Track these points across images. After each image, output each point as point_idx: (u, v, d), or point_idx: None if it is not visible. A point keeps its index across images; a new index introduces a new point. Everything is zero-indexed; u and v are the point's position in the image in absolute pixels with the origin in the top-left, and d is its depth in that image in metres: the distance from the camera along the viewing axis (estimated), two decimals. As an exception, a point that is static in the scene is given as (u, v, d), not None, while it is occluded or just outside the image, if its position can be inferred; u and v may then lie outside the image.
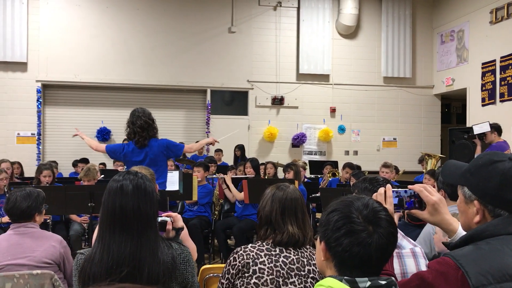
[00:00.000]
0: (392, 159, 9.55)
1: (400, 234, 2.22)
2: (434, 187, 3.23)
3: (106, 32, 10.31)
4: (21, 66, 9.90)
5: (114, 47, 10.36)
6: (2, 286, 2.82)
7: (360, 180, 2.46)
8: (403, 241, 2.25)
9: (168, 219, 2.17)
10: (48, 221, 5.54)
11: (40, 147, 10.03)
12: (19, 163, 7.93)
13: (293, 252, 2.25)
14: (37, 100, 9.96)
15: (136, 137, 4.54)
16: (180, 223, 2.24)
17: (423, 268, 2.16)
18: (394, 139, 11.72)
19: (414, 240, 2.42)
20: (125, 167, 4.59)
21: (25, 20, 9.84)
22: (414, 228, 3.68)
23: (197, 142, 5.62)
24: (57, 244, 3.05)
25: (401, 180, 7.79)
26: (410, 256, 2.18)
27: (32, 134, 9.98)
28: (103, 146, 4.80)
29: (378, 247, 1.32)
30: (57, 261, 3.02)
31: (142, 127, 4.50)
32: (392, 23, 11.59)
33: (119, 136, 10.20)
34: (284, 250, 2.24)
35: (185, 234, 2.83)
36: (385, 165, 6.64)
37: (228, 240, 6.37)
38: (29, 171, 8.51)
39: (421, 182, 6.42)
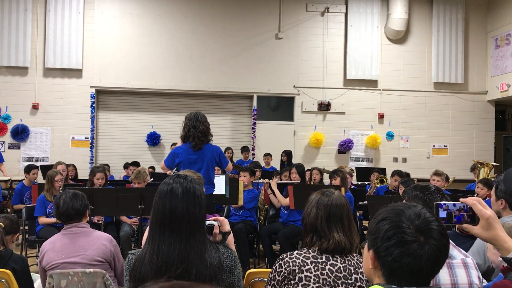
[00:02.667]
0: (443, 166, 9.25)
1: (450, 244, 2.15)
2: (488, 196, 3.11)
3: (157, 40, 10.60)
4: (76, 73, 10.34)
5: (164, 54, 10.63)
6: (58, 283, 2.95)
7: (411, 187, 2.41)
8: (454, 251, 2.17)
9: (215, 223, 2.19)
10: (100, 222, 5.74)
11: (93, 151, 10.41)
12: (73, 166, 8.26)
13: (340, 260, 2.20)
14: (91, 105, 10.36)
15: (195, 140, 4.64)
16: (227, 227, 2.27)
17: (475, 279, 2.09)
18: (445, 146, 11.37)
19: (466, 252, 2.34)
20: (175, 170, 4.70)
21: (81, 29, 10.28)
22: (466, 239, 3.57)
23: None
24: (107, 243, 3.15)
25: (452, 188, 7.55)
26: (461, 266, 2.11)
27: (85, 138, 10.38)
28: (162, 162, 4.92)
29: (429, 259, 1.29)
30: (108, 260, 3.12)
31: (203, 132, 4.66)
32: (444, 27, 11.28)
33: (168, 140, 10.45)
34: (330, 257, 2.20)
35: (229, 238, 2.86)
36: (437, 173, 6.45)
37: (273, 246, 6.37)
38: (83, 173, 8.87)
39: (473, 191, 6.22)
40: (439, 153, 11.35)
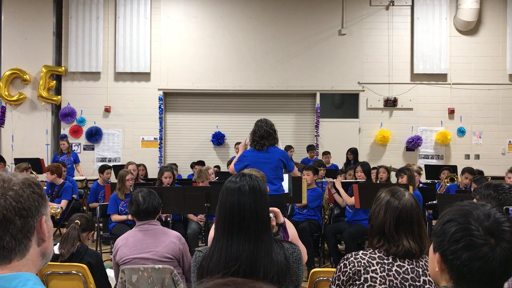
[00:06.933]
0: (520, 164, 8.72)
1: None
2: None
3: (220, 41, 10.80)
4: (145, 76, 10.76)
5: (228, 56, 10.80)
6: (129, 278, 3.09)
7: (483, 185, 2.29)
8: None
9: (270, 215, 2.18)
10: (168, 219, 5.94)
11: (162, 151, 10.78)
12: (144, 165, 8.58)
13: (407, 261, 2.12)
14: (159, 107, 10.74)
15: (254, 143, 4.88)
16: (281, 218, 2.26)
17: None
18: (523, 141, 10.71)
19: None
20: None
21: (149, 33, 10.69)
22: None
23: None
24: (176, 240, 3.25)
25: (531, 187, 7.08)
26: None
27: (154, 138, 10.78)
28: (232, 166, 5.08)
29: (501, 262, 1.22)
30: (176, 257, 3.22)
31: (261, 136, 4.83)
32: (520, 15, 10.61)
33: (232, 139, 10.61)
34: (397, 259, 2.13)
35: (295, 236, 2.86)
36: (512, 171, 6.07)
37: (338, 245, 6.29)
38: (152, 173, 9.21)
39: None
40: (516, 149, 10.71)
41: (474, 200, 2.13)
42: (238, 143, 9.84)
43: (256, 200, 1.99)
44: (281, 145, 5.16)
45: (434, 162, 10.57)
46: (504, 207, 1.49)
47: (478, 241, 1.24)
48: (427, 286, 2.10)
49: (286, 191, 4.99)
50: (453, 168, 8.49)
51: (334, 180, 6.34)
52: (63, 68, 10.70)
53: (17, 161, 8.43)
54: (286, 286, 2.02)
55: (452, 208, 1.34)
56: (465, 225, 1.27)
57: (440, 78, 10.74)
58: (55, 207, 6.27)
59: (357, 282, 2.11)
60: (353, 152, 9.79)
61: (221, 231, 2.01)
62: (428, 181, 8.82)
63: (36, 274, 1.18)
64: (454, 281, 1.28)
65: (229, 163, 8.71)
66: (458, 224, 1.28)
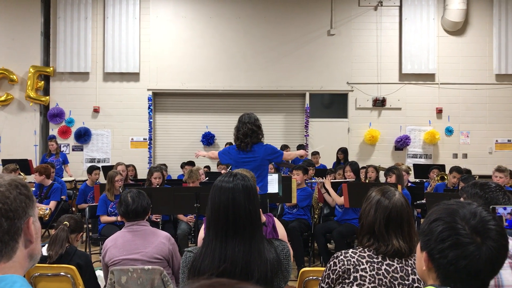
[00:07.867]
0: (507, 162, 8.82)
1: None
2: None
3: (210, 42, 10.78)
4: (134, 76, 10.70)
5: (217, 56, 10.79)
6: (118, 279, 3.07)
7: (470, 184, 2.31)
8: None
9: None
10: (158, 220, 5.92)
11: (151, 151, 10.74)
12: (133, 166, 8.54)
13: (397, 260, 2.14)
14: (148, 108, 10.69)
15: (238, 142, 4.61)
16: (263, 218, 2.26)
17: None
18: (509, 141, 10.82)
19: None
20: (230, 169, 4.73)
21: (138, 33, 10.63)
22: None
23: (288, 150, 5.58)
24: (166, 241, 3.24)
25: (518, 185, 7.17)
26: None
27: (144, 139, 10.73)
28: (216, 152, 4.96)
29: (487, 261, 1.23)
30: (166, 257, 3.21)
31: (245, 134, 4.55)
32: (506, 16, 10.73)
33: (222, 140, 10.61)
34: (387, 257, 2.14)
35: (284, 236, 2.87)
36: (499, 169, 6.14)
37: (328, 244, 6.31)
38: (142, 174, 9.17)
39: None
40: (502, 148, 10.82)
41: (461, 199, 2.15)
42: (228, 143, 9.84)
43: (250, 200, 1.99)
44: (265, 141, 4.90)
45: (422, 161, 10.66)
46: (491, 206, 1.50)
47: (464, 240, 1.25)
48: (416, 284, 2.11)
49: (275, 191, 4.97)
50: (441, 167, 8.57)
51: (324, 180, 6.36)
52: (51, 68, 10.61)
53: (5, 162, 8.34)
54: (278, 282, 2.03)
55: (438, 207, 1.34)
56: (452, 224, 1.28)
57: (428, 78, 10.83)
58: (43, 209, 6.21)
59: (347, 281, 2.12)
60: (343, 151, 9.83)
61: (213, 231, 1.99)
62: (417, 180, 8.89)
63: (24, 276, 1.17)
64: (441, 280, 1.29)
65: (219, 163, 8.71)
66: (444, 223, 1.29)
